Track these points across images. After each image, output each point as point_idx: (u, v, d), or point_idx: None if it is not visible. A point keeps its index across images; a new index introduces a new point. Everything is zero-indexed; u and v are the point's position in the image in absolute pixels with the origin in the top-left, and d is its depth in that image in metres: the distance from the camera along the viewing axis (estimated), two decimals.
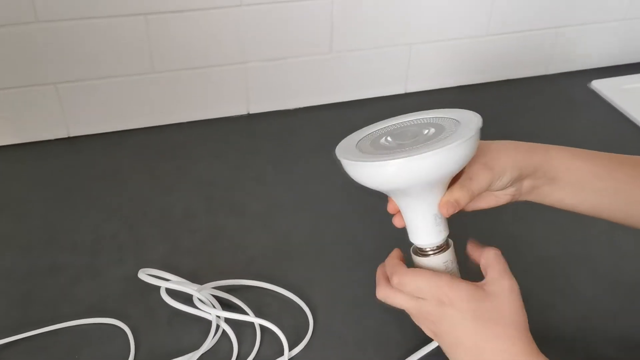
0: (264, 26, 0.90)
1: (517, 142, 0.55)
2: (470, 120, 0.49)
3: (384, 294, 0.52)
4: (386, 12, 0.94)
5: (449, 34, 1.00)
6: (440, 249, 0.52)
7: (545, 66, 1.09)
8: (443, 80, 1.05)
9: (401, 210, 0.53)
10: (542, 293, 0.70)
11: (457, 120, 0.50)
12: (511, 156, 0.52)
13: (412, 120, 0.54)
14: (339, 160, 0.50)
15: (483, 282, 0.50)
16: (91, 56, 0.85)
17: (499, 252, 0.52)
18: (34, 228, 0.77)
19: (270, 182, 0.85)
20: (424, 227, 0.51)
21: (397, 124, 0.54)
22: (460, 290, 0.48)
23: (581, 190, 0.54)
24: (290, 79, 0.97)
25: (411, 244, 0.54)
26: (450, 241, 0.54)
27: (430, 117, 0.53)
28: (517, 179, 0.53)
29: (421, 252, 0.53)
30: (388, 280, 0.52)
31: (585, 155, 0.55)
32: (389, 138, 0.51)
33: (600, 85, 1.06)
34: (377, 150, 0.49)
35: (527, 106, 1.03)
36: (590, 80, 1.07)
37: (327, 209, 0.80)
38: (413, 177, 0.47)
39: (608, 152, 0.57)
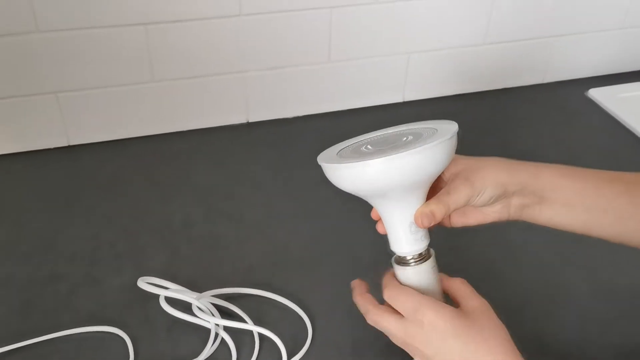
0: (262, 35, 0.91)
1: (507, 159, 0.55)
2: (447, 128, 0.51)
3: (373, 319, 0.52)
4: (384, 21, 0.95)
5: (446, 43, 1.01)
6: (422, 258, 0.53)
7: (543, 75, 1.10)
8: (441, 89, 1.06)
9: (382, 218, 0.53)
10: (538, 300, 0.70)
11: (435, 129, 0.52)
12: (494, 172, 0.53)
13: (392, 132, 0.55)
14: (321, 166, 0.52)
15: (458, 307, 0.51)
16: (91, 65, 0.86)
17: (464, 280, 0.53)
18: (34, 236, 0.77)
19: (269, 191, 0.85)
20: (403, 234, 0.52)
21: (378, 135, 0.56)
22: (439, 310, 0.49)
23: (571, 209, 0.54)
24: (288, 87, 0.97)
25: (393, 253, 0.55)
26: (432, 251, 0.54)
27: (409, 128, 0.55)
28: (502, 196, 0.53)
29: (402, 262, 0.53)
30: (373, 303, 0.53)
31: (573, 173, 0.55)
32: (369, 146, 0.53)
33: (597, 94, 1.06)
34: (357, 156, 0.51)
35: (525, 114, 1.03)
36: (588, 88, 1.08)
37: (326, 218, 0.81)
38: (391, 178, 0.48)
39: (604, 160, 0.58)
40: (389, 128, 0.56)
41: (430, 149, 0.47)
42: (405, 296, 0.51)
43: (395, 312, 0.51)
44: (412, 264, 0.52)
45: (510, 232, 0.78)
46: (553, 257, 0.76)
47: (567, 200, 0.54)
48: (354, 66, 0.98)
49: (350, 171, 0.48)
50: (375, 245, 0.76)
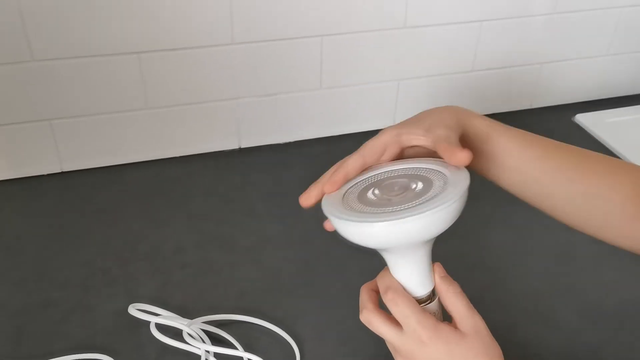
0: (255, 63, 0.92)
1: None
2: (458, 179, 0.48)
3: (367, 318, 0.52)
4: (374, 49, 0.97)
5: (435, 70, 1.03)
6: (427, 300, 0.52)
7: (530, 100, 1.12)
8: None
9: (389, 266, 0.52)
10: (526, 324, 0.71)
11: (445, 176, 0.50)
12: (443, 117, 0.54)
13: (399, 170, 0.53)
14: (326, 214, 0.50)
15: (453, 322, 0.51)
16: (85, 93, 0.87)
17: (457, 291, 0.52)
18: (27, 263, 0.78)
19: (261, 217, 0.86)
20: (413, 282, 0.51)
21: (385, 172, 0.54)
22: (440, 333, 0.49)
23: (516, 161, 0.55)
24: (281, 114, 0.99)
25: None
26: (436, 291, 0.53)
27: (418, 168, 0.53)
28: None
29: None
30: (374, 303, 0.53)
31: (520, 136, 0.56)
32: (376, 191, 0.51)
33: (584, 119, 1.08)
34: (364, 207, 0.49)
35: None
36: (575, 114, 1.10)
37: (317, 244, 0.82)
38: (398, 239, 0.47)
39: None
40: (395, 163, 0.54)
41: (440, 211, 0.45)
42: (408, 309, 0.50)
43: (394, 320, 0.51)
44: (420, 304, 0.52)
45: (498, 257, 0.79)
46: (541, 282, 0.77)
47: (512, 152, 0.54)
48: (345, 93, 1.00)
49: (356, 229, 0.47)
50: (365, 272, 0.77)
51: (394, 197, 0.49)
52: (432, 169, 0.51)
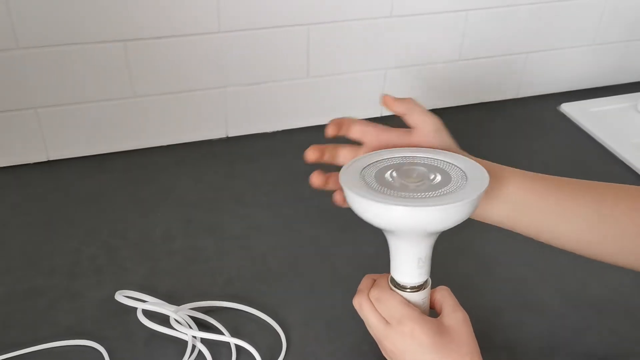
0: (242, 52, 0.92)
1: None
2: (477, 179, 0.49)
3: (359, 302, 0.53)
4: (361, 38, 0.97)
5: (422, 59, 1.03)
6: (419, 287, 0.53)
7: (516, 90, 1.13)
8: None
9: (389, 246, 0.53)
10: (510, 311, 0.72)
11: (465, 174, 0.50)
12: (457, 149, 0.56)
13: (419, 158, 0.53)
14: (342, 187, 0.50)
15: (440, 316, 0.52)
16: (71, 81, 0.87)
17: (449, 289, 0.55)
18: (13, 251, 0.78)
19: (249, 205, 0.87)
20: (408, 268, 0.52)
21: (404, 157, 0.54)
22: (424, 325, 0.50)
23: (530, 208, 0.55)
24: (268, 102, 0.99)
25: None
26: (429, 280, 0.54)
27: (438, 160, 0.53)
28: None
29: (399, 287, 0.53)
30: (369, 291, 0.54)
31: (534, 177, 0.56)
32: (394, 173, 0.51)
33: (569, 109, 1.09)
34: (381, 186, 0.49)
35: (499, 128, 1.06)
36: (560, 103, 1.11)
37: (305, 231, 0.82)
38: (412, 225, 0.47)
39: (576, 173, 0.58)
40: (417, 149, 0.55)
41: (458, 207, 0.46)
42: (393, 304, 0.51)
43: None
44: (409, 291, 0.53)
45: (483, 243, 0.80)
46: (525, 269, 0.77)
47: (525, 198, 0.54)
48: (332, 81, 1.00)
49: (373, 209, 0.47)
50: (353, 258, 0.78)
51: (412, 184, 0.49)
52: (453, 165, 0.52)
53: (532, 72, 1.11)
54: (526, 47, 1.08)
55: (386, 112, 1.06)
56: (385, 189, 0.49)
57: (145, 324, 0.64)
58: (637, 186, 0.55)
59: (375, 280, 0.55)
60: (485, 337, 0.65)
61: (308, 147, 0.58)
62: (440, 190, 0.48)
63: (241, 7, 0.88)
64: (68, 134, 0.91)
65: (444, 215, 0.47)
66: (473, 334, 0.51)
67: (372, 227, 0.50)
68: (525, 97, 1.13)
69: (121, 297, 0.66)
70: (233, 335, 0.67)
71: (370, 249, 0.77)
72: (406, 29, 0.99)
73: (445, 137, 0.56)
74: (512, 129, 1.06)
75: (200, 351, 0.65)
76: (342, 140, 0.58)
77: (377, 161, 0.53)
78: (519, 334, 0.69)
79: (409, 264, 0.51)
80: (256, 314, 0.69)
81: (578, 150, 1.00)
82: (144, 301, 0.68)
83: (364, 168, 0.53)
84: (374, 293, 0.52)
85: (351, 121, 0.57)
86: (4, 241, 0.79)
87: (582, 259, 0.78)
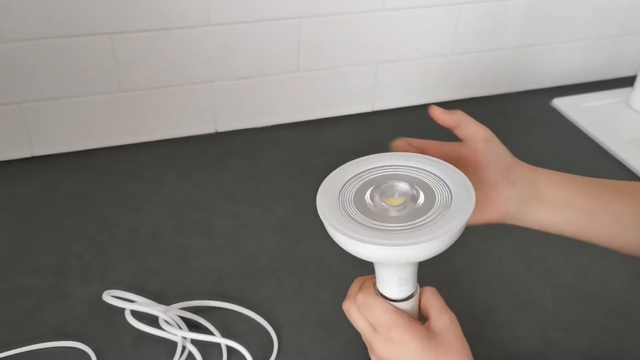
0: (231, 45, 0.91)
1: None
2: (462, 202, 0.47)
3: (348, 306, 0.52)
4: (352, 32, 0.96)
5: (414, 54, 1.02)
6: (404, 300, 0.52)
7: (509, 85, 1.12)
8: (409, 99, 1.07)
9: (375, 266, 0.51)
10: (504, 308, 0.71)
11: (450, 192, 0.49)
12: (501, 153, 0.56)
13: (401, 168, 0.51)
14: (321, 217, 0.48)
15: (427, 322, 0.51)
16: (56, 75, 0.85)
17: (435, 290, 0.53)
18: None
19: (238, 201, 0.85)
20: (390, 286, 0.51)
21: (383, 167, 0.52)
22: (413, 332, 0.49)
23: (569, 209, 0.55)
24: (257, 97, 0.97)
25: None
26: (417, 290, 0.53)
27: (420, 170, 0.51)
28: (504, 178, 0.55)
29: (384, 297, 0.52)
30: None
31: (569, 176, 0.56)
32: (375, 195, 0.49)
33: (561, 103, 1.09)
34: (359, 214, 0.48)
35: (490, 123, 1.03)
36: (552, 98, 1.10)
37: (295, 229, 0.81)
38: (389, 261, 0.47)
39: (568, 168, 0.58)
40: (397, 155, 0.53)
41: (437, 243, 0.45)
42: (380, 311, 0.50)
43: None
44: (395, 302, 0.51)
45: (475, 241, 0.79)
46: (518, 266, 0.77)
47: (566, 199, 0.54)
48: (323, 76, 0.99)
49: (352, 245, 0.46)
50: (343, 257, 0.77)
51: (392, 209, 0.48)
52: (438, 177, 0.50)
53: (525, 67, 1.10)
54: (518, 42, 1.07)
55: (378, 107, 1.06)
56: (366, 218, 0.47)
57: (134, 325, 0.63)
58: None
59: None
60: (478, 335, 0.65)
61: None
62: (421, 219, 0.46)
63: None
64: (53, 130, 0.89)
65: (422, 252, 0.46)
66: (462, 335, 0.50)
67: None
68: (518, 92, 1.13)
69: (109, 297, 0.65)
70: (224, 335, 0.66)
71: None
72: (398, 23, 0.97)
73: (497, 148, 0.56)
74: (504, 124, 1.04)
75: (190, 352, 0.64)
76: None
77: (353, 176, 0.51)
78: (511, 332, 0.68)
79: (391, 282, 0.51)
80: (247, 313, 0.68)
81: (570, 145, 1.00)
82: (132, 301, 0.66)
83: (345, 184, 0.50)
84: (360, 298, 0.51)
85: (408, 141, 0.57)
86: None
87: (575, 256, 0.78)
